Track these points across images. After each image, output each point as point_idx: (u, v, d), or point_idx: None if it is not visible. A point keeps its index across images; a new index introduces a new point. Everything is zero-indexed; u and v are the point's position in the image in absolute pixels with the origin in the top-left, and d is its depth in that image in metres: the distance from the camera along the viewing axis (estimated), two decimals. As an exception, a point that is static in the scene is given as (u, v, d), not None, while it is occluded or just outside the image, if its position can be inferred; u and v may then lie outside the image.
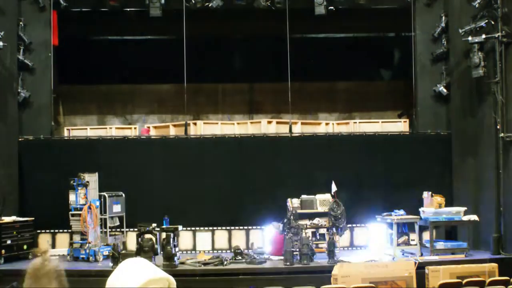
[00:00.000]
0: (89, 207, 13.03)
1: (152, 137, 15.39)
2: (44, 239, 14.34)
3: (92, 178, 13.49)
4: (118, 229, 13.95)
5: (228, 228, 14.50)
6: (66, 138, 15.33)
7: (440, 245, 13.01)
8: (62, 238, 14.32)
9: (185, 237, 14.32)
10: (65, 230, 14.10)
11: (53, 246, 14.34)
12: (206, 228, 14.45)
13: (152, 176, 14.52)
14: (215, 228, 14.49)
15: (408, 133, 15.43)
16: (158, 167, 14.62)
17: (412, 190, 14.14)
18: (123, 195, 13.94)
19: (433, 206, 13.22)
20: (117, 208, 13.82)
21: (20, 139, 14.40)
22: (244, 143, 14.88)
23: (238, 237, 14.52)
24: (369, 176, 14.64)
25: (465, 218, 13.19)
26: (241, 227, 14.56)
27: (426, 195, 13.46)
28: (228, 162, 14.68)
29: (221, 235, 14.53)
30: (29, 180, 14.31)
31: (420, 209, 13.30)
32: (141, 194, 14.29)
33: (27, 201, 14.26)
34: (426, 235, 13.74)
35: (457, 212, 13.23)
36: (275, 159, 14.76)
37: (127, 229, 14.08)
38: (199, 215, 14.32)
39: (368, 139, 14.99)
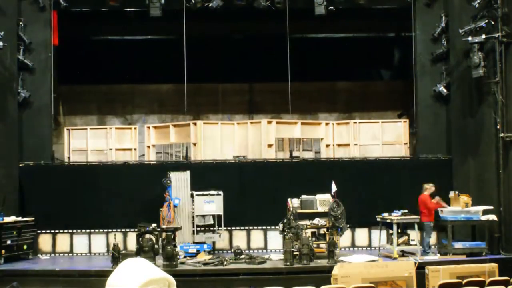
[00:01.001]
0: (169, 205, 13.34)
1: (152, 163, 15.26)
2: (44, 240, 14.35)
3: (182, 176, 13.67)
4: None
5: (229, 228, 14.42)
6: (66, 163, 15.25)
7: (459, 245, 13.08)
8: (62, 238, 14.38)
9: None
10: (66, 231, 14.23)
11: (54, 246, 14.34)
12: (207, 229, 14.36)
13: (151, 196, 14.14)
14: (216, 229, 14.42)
15: (409, 158, 15.30)
16: (157, 190, 14.01)
17: (411, 210, 13.70)
18: (221, 194, 13.76)
19: (459, 206, 13.25)
20: (209, 207, 13.76)
21: (20, 165, 14.33)
22: (245, 168, 14.71)
23: (240, 237, 14.50)
24: (368, 198, 14.46)
25: (484, 218, 13.22)
26: (242, 228, 14.53)
27: (452, 194, 13.50)
28: (228, 187, 14.24)
29: (222, 236, 14.45)
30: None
31: (439, 209, 13.36)
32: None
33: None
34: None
35: (476, 212, 13.25)
36: (275, 184, 14.52)
37: (127, 229, 14.13)
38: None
39: (369, 164, 14.87)
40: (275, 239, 14.17)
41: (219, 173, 14.48)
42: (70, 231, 14.31)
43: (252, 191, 14.45)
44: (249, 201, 14.40)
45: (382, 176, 14.63)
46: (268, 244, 14.46)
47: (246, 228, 14.53)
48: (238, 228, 14.50)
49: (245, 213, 14.39)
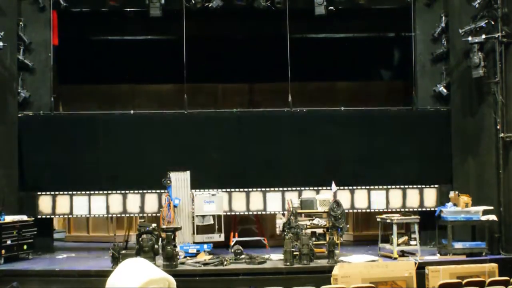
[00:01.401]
0: (169, 205, 13.47)
1: (151, 112, 15.34)
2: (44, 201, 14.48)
3: (182, 176, 13.76)
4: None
5: (228, 190, 14.61)
6: (65, 113, 15.40)
7: (459, 245, 13.10)
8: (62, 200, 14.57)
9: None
10: (66, 192, 14.45)
11: (54, 208, 14.46)
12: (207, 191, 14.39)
13: (151, 151, 14.68)
14: (215, 190, 14.44)
15: (407, 109, 15.49)
16: (157, 142, 14.77)
17: (411, 163, 14.59)
18: (219, 193, 14.05)
19: (460, 206, 13.27)
20: (209, 207, 13.85)
21: (20, 115, 14.47)
22: (244, 119, 15.04)
23: (239, 198, 14.65)
24: (369, 150, 14.86)
25: (484, 218, 13.22)
26: (241, 189, 14.69)
27: (452, 194, 13.51)
28: (227, 138, 14.86)
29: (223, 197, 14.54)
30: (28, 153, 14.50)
31: (438, 208, 13.40)
32: (140, 169, 14.57)
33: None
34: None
35: (476, 212, 13.25)
36: (274, 135, 14.93)
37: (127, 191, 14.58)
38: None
39: (369, 114, 15.17)
40: (275, 200, 14.58)
41: (217, 123, 14.90)
42: (70, 192, 14.47)
43: (251, 142, 14.83)
44: (250, 150, 14.78)
45: (381, 127, 14.99)
46: (268, 206, 14.68)
47: (246, 190, 14.68)
48: (237, 190, 14.67)
49: (245, 169, 14.75)
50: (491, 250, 13.17)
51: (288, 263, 12.22)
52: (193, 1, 14.76)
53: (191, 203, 13.84)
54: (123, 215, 15.11)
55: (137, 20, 15.92)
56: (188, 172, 13.85)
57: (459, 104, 14.64)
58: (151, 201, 14.65)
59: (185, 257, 12.98)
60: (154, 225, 12.56)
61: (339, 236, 13.39)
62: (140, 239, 12.31)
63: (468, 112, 14.37)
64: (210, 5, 14.73)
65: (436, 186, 14.75)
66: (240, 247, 13.20)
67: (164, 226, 12.93)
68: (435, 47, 15.19)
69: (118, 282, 5.32)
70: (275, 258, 13.03)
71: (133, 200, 14.61)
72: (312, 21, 15.56)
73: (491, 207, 13.34)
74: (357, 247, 14.89)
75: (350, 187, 14.74)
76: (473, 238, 13.56)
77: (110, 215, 15.19)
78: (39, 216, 14.31)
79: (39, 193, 14.42)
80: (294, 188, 14.69)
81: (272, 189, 14.66)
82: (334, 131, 14.97)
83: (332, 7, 14.97)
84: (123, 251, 12.43)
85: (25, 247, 13.37)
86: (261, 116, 15.21)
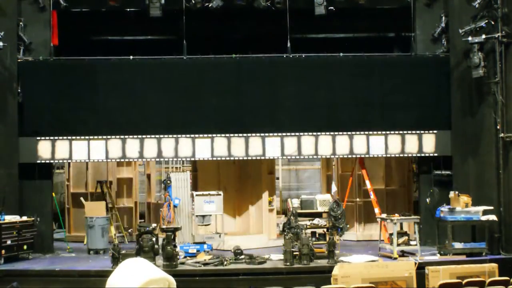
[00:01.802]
0: (169, 205, 13.55)
1: (151, 58, 15.24)
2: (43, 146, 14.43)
3: (182, 177, 13.78)
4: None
5: (227, 135, 14.54)
6: (64, 58, 15.22)
7: (459, 245, 13.10)
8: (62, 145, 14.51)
9: (183, 144, 14.44)
10: (65, 137, 14.37)
11: (53, 154, 14.42)
12: (206, 135, 14.45)
13: (152, 96, 14.66)
14: (214, 135, 14.50)
15: (406, 55, 15.49)
16: (156, 88, 14.74)
17: (410, 109, 14.59)
18: (221, 194, 13.97)
19: (459, 205, 13.25)
20: (209, 207, 13.85)
21: (19, 60, 14.42)
22: (243, 64, 14.98)
23: (238, 143, 14.55)
24: (367, 96, 14.83)
25: (484, 218, 13.21)
26: (240, 135, 14.59)
27: (452, 194, 13.51)
28: (226, 83, 14.83)
29: (220, 142, 14.53)
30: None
31: (439, 208, 13.41)
32: (140, 114, 14.56)
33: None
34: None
35: (476, 212, 13.24)
36: (273, 81, 14.92)
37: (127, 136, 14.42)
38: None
39: (367, 60, 15.11)
40: (274, 145, 14.51)
41: (217, 68, 14.87)
42: (69, 137, 14.40)
43: (251, 88, 14.77)
44: (249, 95, 14.73)
45: (379, 73, 14.93)
46: (266, 151, 14.60)
47: (245, 135, 14.56)
48: (236, 135, 14.55)
49: (244, 114, 14.71)
50: (491, 250, 13.18)
51: (288, 263, 12.22)
52: (193, 1, 14.75)
53: (191, 203, 13.84)
54: (122, 159, 15.13)
55: (137, 20, 15.91)
56: (188, 172, 13.84)
57: (459, 104, 14.63)
58: (150, 146, 14.47)
59: (185, 257, 12.99)
60: (154, 225, 12.59)
61: (339, 236, 13.40)
62: (140, 239, 12.32)
63: (468, 112, 14.36)
64: (210, 5, 14.72)
65: (435, 131, 14.67)
66: (240, 247, 13.21)
67: (164, 226, 12.94)
68: (435, 47, 15.19)
69: (118, 282, 5.31)
70: (275, 258, 13.04)
71: (132, 145, 14.44)
72: (312, 21, 15.57)
73: (491, 207, 13.34)
74: (357, 247, 14.88)
75: (349, 133, 14.62)
76: (473, 238, 13.56)
77: (109, 160, 15.08)
78: (38, 161, 14.29)
79: (38, 138, 14.35)
80: (293, 134, 14.58)
81: (271, 134, 14.54)
82: (333, 77, 14.90)
83: (332, 7, 14.95)
84: (123, 251, 12.44)
85: (25, 247, 13.37)
86: (260, 62, 15.06)
